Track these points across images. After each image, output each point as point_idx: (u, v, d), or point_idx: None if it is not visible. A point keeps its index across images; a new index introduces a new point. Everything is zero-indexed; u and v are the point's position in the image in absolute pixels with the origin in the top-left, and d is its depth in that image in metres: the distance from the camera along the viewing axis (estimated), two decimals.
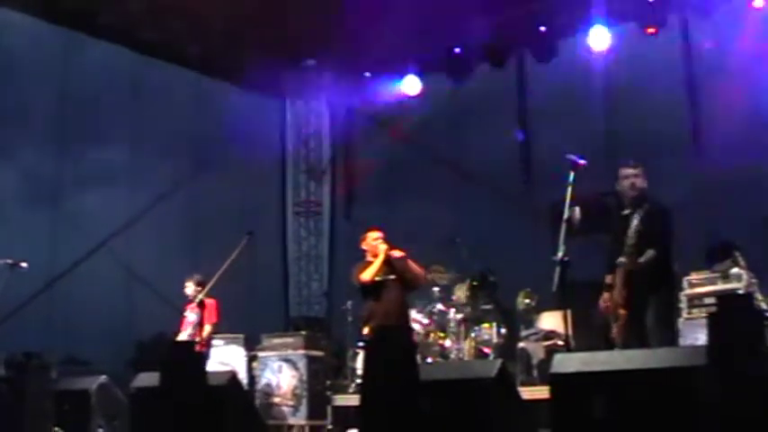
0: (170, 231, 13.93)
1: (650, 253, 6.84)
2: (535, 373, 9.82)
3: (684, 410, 4.93)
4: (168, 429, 6.97)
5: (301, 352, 10.54)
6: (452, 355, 10.39)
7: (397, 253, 8.88)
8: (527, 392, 7.74)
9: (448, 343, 10.49)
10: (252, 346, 11.22)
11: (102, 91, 13.09)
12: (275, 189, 16.09)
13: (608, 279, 7.13)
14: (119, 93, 13.37)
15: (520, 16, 12.77)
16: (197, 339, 9.56)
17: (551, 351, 9.38)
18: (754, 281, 8.94)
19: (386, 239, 8.90)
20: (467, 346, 10.41)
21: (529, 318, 10.83)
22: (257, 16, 12.61)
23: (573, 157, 6.78)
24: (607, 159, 7.22)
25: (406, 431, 5.70)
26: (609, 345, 7.01)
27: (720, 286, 9.09)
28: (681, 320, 9.12)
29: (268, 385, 10.58)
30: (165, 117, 13.83)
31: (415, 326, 10.17)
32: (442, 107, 14.23)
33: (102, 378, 9.38)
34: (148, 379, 7.73)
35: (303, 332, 11.13)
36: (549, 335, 10.13)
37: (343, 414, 10.32)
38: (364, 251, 9.03)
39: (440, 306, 10.80)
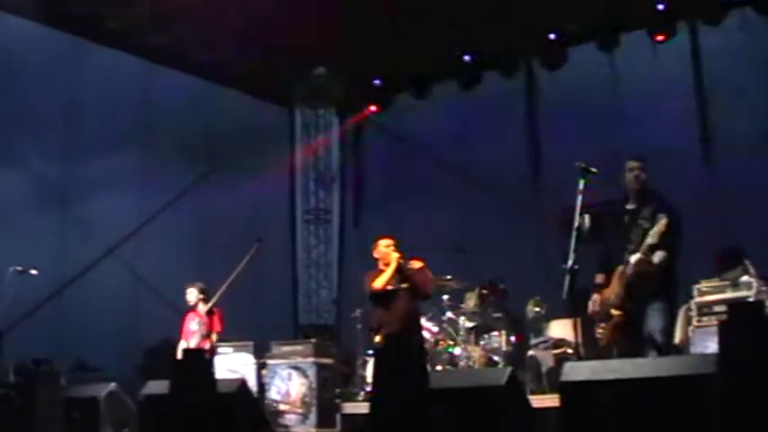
0: (179, 238, 13.90)
1: (662, 254, 6.65)
2: (545, 381, 9.75)
3: (695, 419, 4.92)
4: None
5: (310, 360, 10.49)
6: (462, 363, 10.37)
7: (416, 264, 8.86)
8: (537, 400, 7.70)
9: (457, 351, 10.47)
10: (261, 353, 11.18)
11: (109, 97, 13.08)
12: (284, 196, 16.12)
13: (599, 278, 7.03)
14: (126, 99, 13.37)
15: (529, 24, 12.77)
16: (206, 347, 9.57)
17: (561, 359, 9.36)
18: (764, 289, 8.92)
19: (397, 247, 8.87)
20: (476, 354, 10.38)
21: (538, 326, 10.80)
22: (266, 23, 12.62)
23: (583, 165, 6.74)
24: (617, 167, 7.14)
25: None
26: (594, 344, 6.96)
27: (730, 294, 9.05)
28: (691, 328, 9.14)
29: (277, 393, 10.57)
30: (174, 124, 13.82)
31: (425, 334, 10.14)
32: (452, 115, 14.23)
33: (112, 385, 9.34)
34: (158, 386, 7.72)
35: (312, 340, 11.10)
36: (559, 343, 10.08)
37: (353, 422, 10.28)
38: (376, 259, 8.98)
39: (449, 314, 10.80)
